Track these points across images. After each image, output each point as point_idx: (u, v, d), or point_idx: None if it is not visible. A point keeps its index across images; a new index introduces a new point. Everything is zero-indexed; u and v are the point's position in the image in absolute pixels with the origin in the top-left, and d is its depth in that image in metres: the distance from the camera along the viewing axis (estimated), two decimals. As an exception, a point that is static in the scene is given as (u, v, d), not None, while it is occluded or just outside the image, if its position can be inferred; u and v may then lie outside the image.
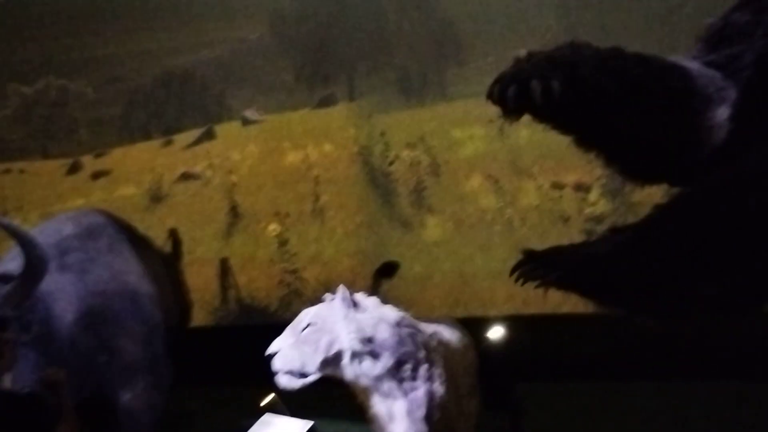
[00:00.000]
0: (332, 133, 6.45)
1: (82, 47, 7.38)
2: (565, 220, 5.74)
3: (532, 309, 5.64)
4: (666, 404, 4.91)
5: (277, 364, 3.07)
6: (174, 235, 5.78)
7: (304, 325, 3.12)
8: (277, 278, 6.49)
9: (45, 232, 4.17)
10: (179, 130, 6.97)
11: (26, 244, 3.59)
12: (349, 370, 3.09)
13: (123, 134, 7.24)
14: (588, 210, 5.67)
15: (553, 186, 5.78)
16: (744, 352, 4.86)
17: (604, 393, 5.06)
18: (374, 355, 3.05)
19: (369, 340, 3.05)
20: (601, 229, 5.59)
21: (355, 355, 3.06)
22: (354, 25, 6.24)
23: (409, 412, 3.08)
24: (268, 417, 3.19)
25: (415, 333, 3.17)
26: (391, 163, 6.22)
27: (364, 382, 3.12)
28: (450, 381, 3.24)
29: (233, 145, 6.77)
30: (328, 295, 3.22)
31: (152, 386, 4.29)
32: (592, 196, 5.69)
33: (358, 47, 6.27)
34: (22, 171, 7.47)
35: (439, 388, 3.14)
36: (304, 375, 3.07)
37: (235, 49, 6.72)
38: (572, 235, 5.73)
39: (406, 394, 3.09)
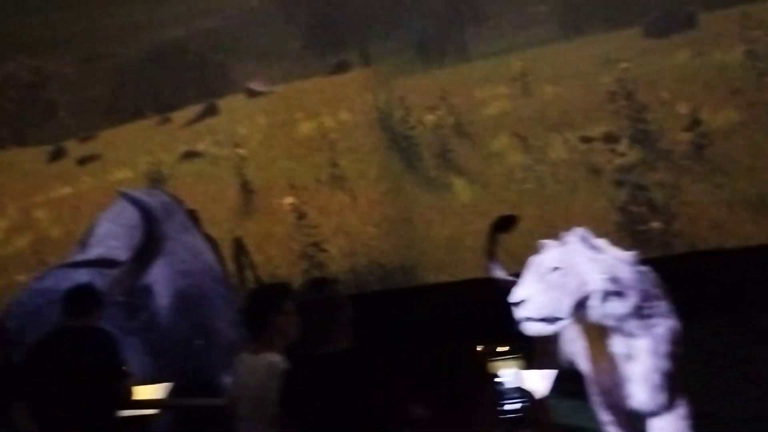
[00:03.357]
0: (348, 100, 6.27)
1: (55, 23, 6.88)
2: (596, 172, 5.78)
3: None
4: None
5: (526, 311, 2.95)
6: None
7: (548, 270, 3.01)
8: (297, 253, 6.25)
9: (122, 215, 3.86)
10: (177, 107, 6.62)
11: (148, 218, 3.30)
12: (596, 311, 3.01)
13: (112, 115, 6.81)
14: (618, 161, 5.73)
15: (581, 139, 5.81)
16: None
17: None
18: (620, 295, 3.00)
19: (616, 280, 2.99)
20: (632, 178, 5.69)
21: (604, 296, 2.99)
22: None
23: (653, 350, 3.04)
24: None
25: (646, 271, 3.14)
26: (412, 128, 6.10)
27: (609, 323, 3.05)
28: None
29: (239, 119, 6.48)
30: (563, 236, 3.12)
31: None
32: (621, 146, 5.75)
33: (371, 9, 6.12)
34: (-6, 161, 6.91)
35: (676, 324, 3.11)
36: (554, 320, 2.98)
37: (233, 18, 6.43)
38: (604, 187, 5.79)
39: (648, 331, 3.05)
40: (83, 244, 3.78)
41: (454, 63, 6.07)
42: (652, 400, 3.01)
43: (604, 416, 3.15)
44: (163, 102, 6.62)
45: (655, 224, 5.71)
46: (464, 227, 6.04)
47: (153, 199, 4.01)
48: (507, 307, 3.11)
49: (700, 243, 5.61)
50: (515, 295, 2.97)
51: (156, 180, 6.39)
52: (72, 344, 2.78)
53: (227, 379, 3.85)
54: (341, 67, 6.27)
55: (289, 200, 6.29)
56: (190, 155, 6.44)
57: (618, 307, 2.97)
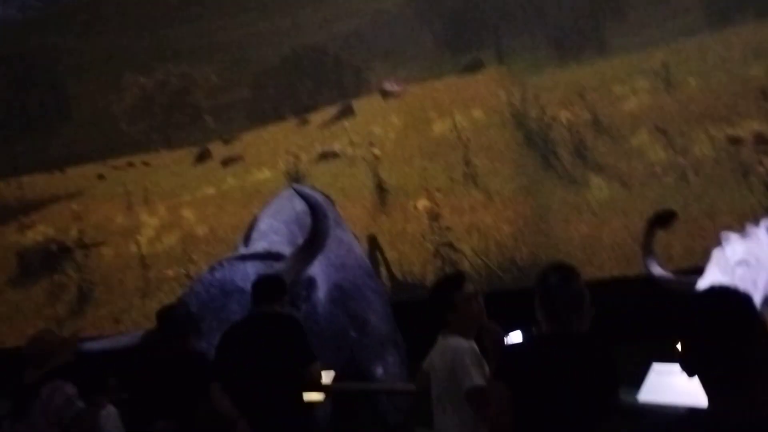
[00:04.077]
0: (481, 98, 6.27)
1: (201, 33, 7.25)
2: (745, 171, 5.51)
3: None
4: None
5: None
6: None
7: (734, 263, 2.95)
8: (430, 251, 6.29)
9: (281, 211, 4.04)
10: (314, 108, 6.82)
11: (317, 212, 3.46)
12: None
13: (252, 118, 7.09)
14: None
15: (727, 137, 5.55)
16: None
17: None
18: None
19: None
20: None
21: None
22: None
23: None
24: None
25: None
26: (548, 125, 6.02)
27: None
28: None
29: (373, 119, 6.60)
30: (748, 226, 3.04)
31: (400, 360, 4.15)
32: (772, 145, 5.46)
33: (504, 6, 6.09)
34: (146, 163, 7.33)
35: None
36: None
37: (369, 21, 6.56)
38: (753, 187, 5.52)
39: None
40: (247, 238, 3.96)
41: (591, 58, 5.95)
42: None
43: None
44: (301, 104, 6.85)
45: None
46: (602, 225, 5.92)
47: (318, 195, 4.17)
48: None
49: None
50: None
51: (295, 179, 6.61)
52: (264, 329, 2.93)
53: (380, 371, 3.96)
54: (474, 66, 6.28)
55: (423, 202, 6.35)
56: (326, 155, 6.62)
57: None
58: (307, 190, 3.79)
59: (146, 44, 7.30)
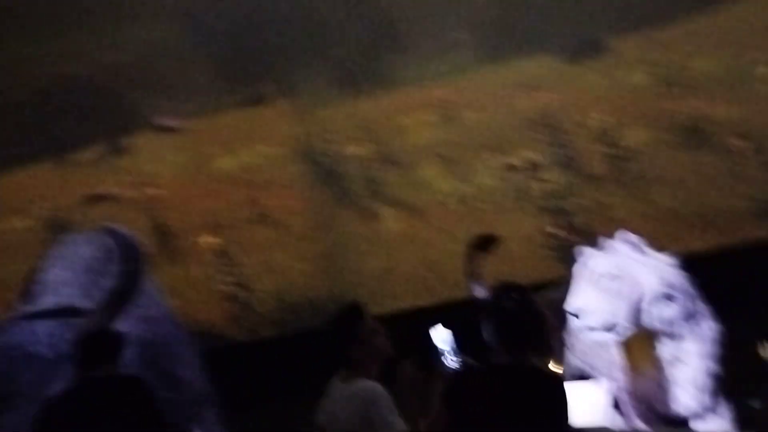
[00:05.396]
0: (265, 133, 6.06)
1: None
2: (522, 197, 5.89)
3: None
4: None
5: (586, 321, 2.83)
6: None
7: (602, 276, 2.92)
8: (220, 294, 5.90)
9: (67, 259, 3.46)
10: (76, 147, 6.12)
11: (129, 254, 2.95)
12: (647, 316, 2.95)
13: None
14: (542, 186, 5.86)
15: (503, 165, 5.91)
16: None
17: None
18: (671, 298, 2.95)
19: (667, 284, 2.94)
20: (555, 202, 5.84)
21: (658, 300, 2.93)
22: (278, 14, 5.94)
23: (701, 351, 3.01)
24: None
25: (686, 275, 3.13)
26: (337, 159, 5.97)
27: (658, 327, 2.99)
28: None
29: (149, 157, 6.08)
30: (604, 240, 3.03)
31: (217, 418, 3.72)
32: (543, 171, 5.90)
33: (285, 39, 5.97)
34: None
35: (720, 326, 3.11)
36: (613, 327, 2.88)
37: (141, 52, 6.07)
38: (532, 212, 5.91)
39: (695, 333, 3.02)
40: (26, 294, 3.33)
41: (374, 92, 6.01)
42: (699, 403, 3.01)
43: (638, 424, 3.10)
44: (60, 142, 6.09)
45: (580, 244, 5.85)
46: (396, 256, 5.95)
47: (91, 245, 3.62)
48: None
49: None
50: (572, 306, 2.89)
51: (58, 227, 5.84)
52: (100, 397, 2.39)
53: (196, 431, 3.52)
54: (256, 99, 6.04)
55: (208, 240, 5.94)
56: (93, 199, 5.95)
57: (670, 310, 2.96)
58: (116, 228, 3.29)
59: None
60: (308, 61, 5.98)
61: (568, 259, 5.80)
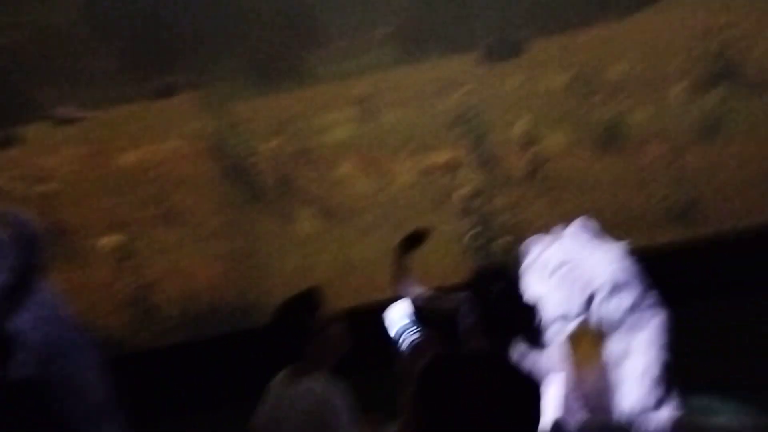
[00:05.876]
0: (176, 127, 5.72)
1: None
2: (442, 198, 5.77)
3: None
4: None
5: (543, 312, 2.64)
6: None
7: (555, 266, 2.73)
8: (123, 299, 5.51)
9: None
10: (-39, 137, 5.61)
11: (28, 242, 2.58)
12: (601, 307, 2.78)
13: None
14: (462, 188, 5.76)
15: (424, 166, 5.78)
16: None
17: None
18: (624, 288, 2.79)
19: (621, 272, 2.78)
20: (477, 204, 5.75)
21: (612, 290, 2.77)
22: (192, 1, 5.63)
23: (652, 342, 2.87)
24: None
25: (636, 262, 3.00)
26: (251, 156, 5.69)
27: (612, 317, 2.83)
28: None
29: (45, 150, 5.63)
30: (560, 229, 2.84)
31: (121, 427, 3.38)
32: (463, 173, 5.80)
33: (199, 27, 5.67)
34: None
35: (667, 315, 2.98)
36: (570, 318, 2.69)
37: (35, 37, 5.63)
38: (451, 213, 5.80)
39: (646, 323, 2.88)
40: None
41: (293, 87, 5.77)
42: (650, 395, 2.90)
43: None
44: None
45: (500, 246, 5.79)
46: (311, 258, 5.71)
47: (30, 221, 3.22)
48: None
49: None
50: (528, 298, 2.72)
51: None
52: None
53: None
54: (166, 91, 5.70)
55: (110, 240, 5.54)
56: (-18, 193, 5.45)
57: (623, 300, 2.83)
58: (12, 213, 2.92)
59: None
60: (223, 53, 5.69)
61: (487, 261, 5.80)
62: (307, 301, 2.15)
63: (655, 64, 5.83)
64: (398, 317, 2.47)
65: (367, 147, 5.78)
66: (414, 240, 3.65)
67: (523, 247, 3.03)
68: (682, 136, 5.80)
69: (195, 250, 5.53)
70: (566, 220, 5.79)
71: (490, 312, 1.91)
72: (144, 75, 5.71)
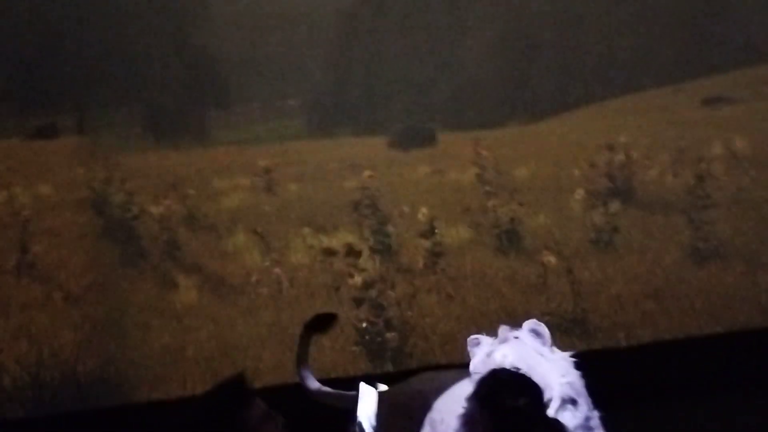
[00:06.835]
0: (52, 171, 5.16)
1: None
2: (336, 282, 5.46)
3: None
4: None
5: None
6: None
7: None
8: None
9: None
10: None
11: None
12: None
13: None
14: (358, 276, 5.49)
15: (322, 247, 5.49)
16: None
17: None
18: (575, 403, 2.42)
19: (571, 385, 2.41)
20: (371, 294, 5.49)
21: (562, 404, 2.39)
22: (88, 40, 5.20)
23: None
24: None
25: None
26: (135, 217, 5.19)
27: None
28: None
29: None
30: (505, 329, 2.46)
31: None
32: (362, 260, 5.54)
33: (94, 69, 5.22)
34: None
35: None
36: None
37: None
38: (342, 299, 5.49)
39: None
40: None
41: (191, 147, 5.38)
42: None
43: None
44: None
45: (391, 339, 5.51)
46: (187, 334, 5.18)
47: None
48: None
49: (431, 358, 5.53)
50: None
51: None
52: None
53: None
54: (47, 132, 5.15)
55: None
56: None
57: (573, 416, 2.49)
58: None
59: None
60: (118, 99, 5.23)
61: (378, 356, 5.46)
62: (237, 393, 1.73)
63: (557, 173, 5.91)
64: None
65: (263, 219, 5.42)
66: (320, 324, 3.34)
67: (470, 342, 2.71)
68: (577, 245, 5.83)
69: (52, 312, 4.87)
70: (460, 318, 5.64)
71: (508, 429, 1.57)
72: (23, 112, 5.13)
